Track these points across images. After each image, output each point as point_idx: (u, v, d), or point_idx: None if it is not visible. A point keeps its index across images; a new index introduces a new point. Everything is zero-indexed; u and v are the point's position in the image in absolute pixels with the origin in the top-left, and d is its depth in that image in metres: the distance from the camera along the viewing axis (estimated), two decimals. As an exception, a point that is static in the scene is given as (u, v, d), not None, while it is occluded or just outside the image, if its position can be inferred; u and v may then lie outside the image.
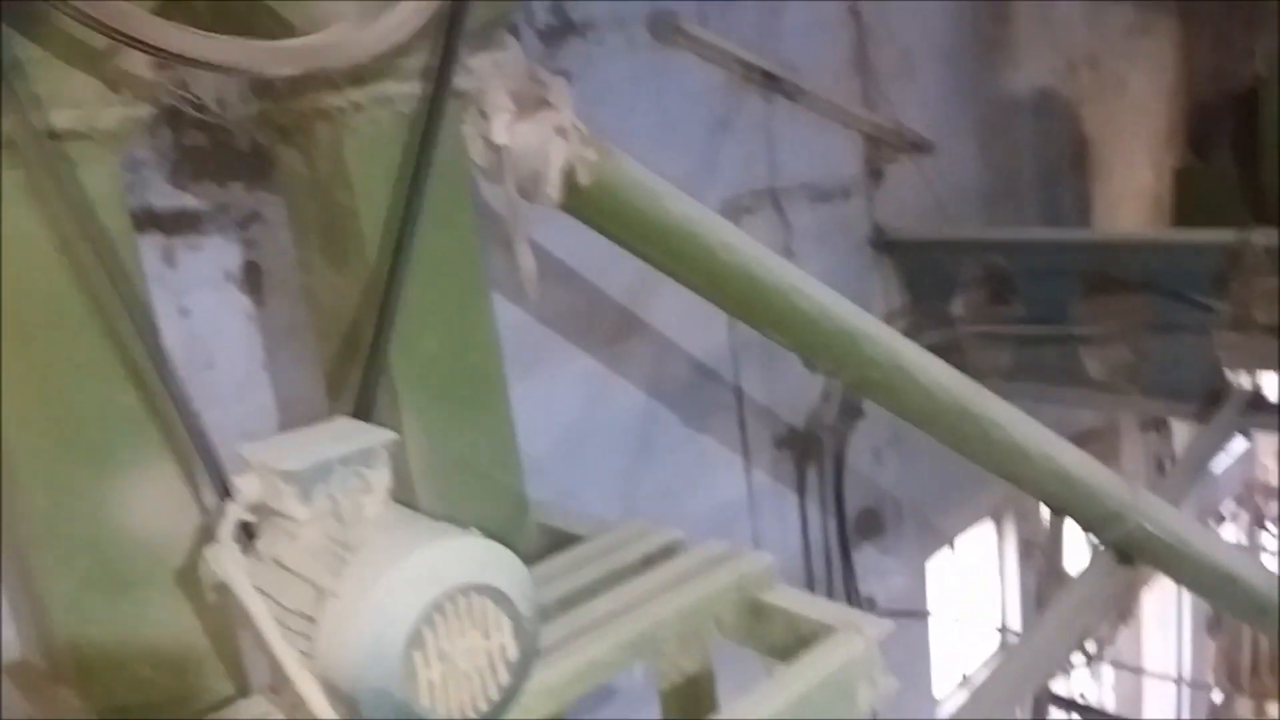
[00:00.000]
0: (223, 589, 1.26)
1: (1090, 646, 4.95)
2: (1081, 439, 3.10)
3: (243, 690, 1.50)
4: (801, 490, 3.59)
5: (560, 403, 2.83)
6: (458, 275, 1.73)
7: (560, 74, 2.09)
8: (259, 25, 1.49)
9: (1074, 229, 4.65)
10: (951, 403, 2.30)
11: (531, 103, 1.90)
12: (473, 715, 1.17)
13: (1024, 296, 3.58)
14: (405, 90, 1.61)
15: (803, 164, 3.49)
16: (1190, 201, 5.17)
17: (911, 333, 3.07)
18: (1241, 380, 3.43)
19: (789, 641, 1.55)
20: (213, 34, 1.32)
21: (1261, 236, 3.20)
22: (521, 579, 1.21)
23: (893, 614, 3.78)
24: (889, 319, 3.40)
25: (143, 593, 1.43)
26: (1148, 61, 5.30)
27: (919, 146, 3.89)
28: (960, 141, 4.17)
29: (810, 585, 3.61)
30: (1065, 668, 4.74)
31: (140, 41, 1.26)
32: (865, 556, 3.83)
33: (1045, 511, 4.57)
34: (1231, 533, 6.50)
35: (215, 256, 2.18)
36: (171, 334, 1.95)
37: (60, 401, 1.36)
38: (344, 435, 1.30)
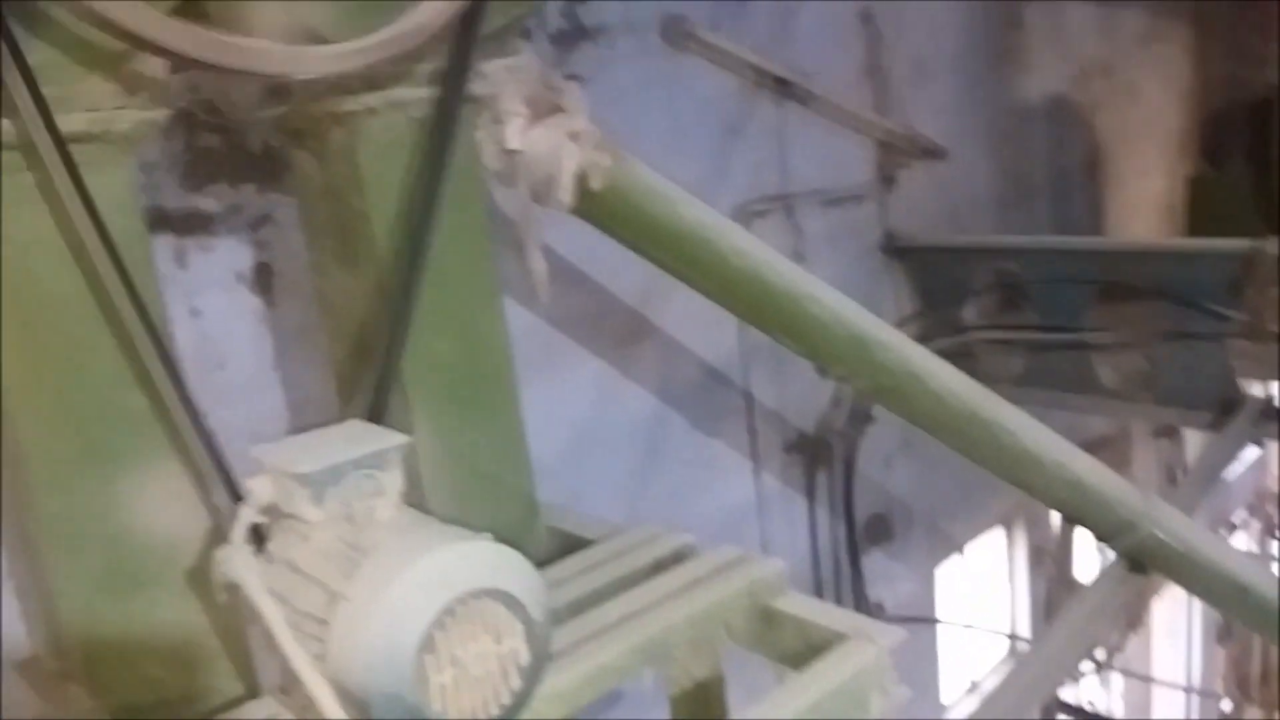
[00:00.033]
0: (234, 589, 1.26)
1: (1100, 654, 4.92)
2: (1092, 446, 3.09)
3: (252, 690, 1.51)
4: (811, 495, 3.58)
5: (569, 405, 2.83)
6: (471, 279, 1.74)
7: (572, 78, 2.10)
8: (273, 28, 1.50)
9: (1087, 236, 4.64)
10: (963, 409, 2.29)
11: (545, 108, 1.91)
12: (484, 719, 1.17)
13: (1036, 303, 3.57)
14: (419, 95, 1.61)
15: (815, 169, 3.49)
16: (1204, 210, 5.15)
17: (923, 339, 3.06)
18: (1254, 389, 3.41)
19: (800, 648, 1.55)
20: (228, 37, 1.33)
21: (1275, 246, 3.18)
22: (533, 584, 1.21)
23: (901, 620, 3.77)
24: (900, 325, 3.39)
25: (153, 592, 1.44)
26: (1161, 69, 5.27)
27: (931, 152, 3.88)
28: (973, 148, 4.16)
29: (819, 590, 3.60)
30: (1074, 675, 4.71)
31: (155, 45, 1.26)
32: (874, 562, 3.82)
33: (1056, 518, 4.55)
34: (1243, 541, 6.47)
35: (226, 258, 2.19)
36: (183, 334, 1.96)
37: (73, 403, 1.36)
38: (357, 438, 1.30)
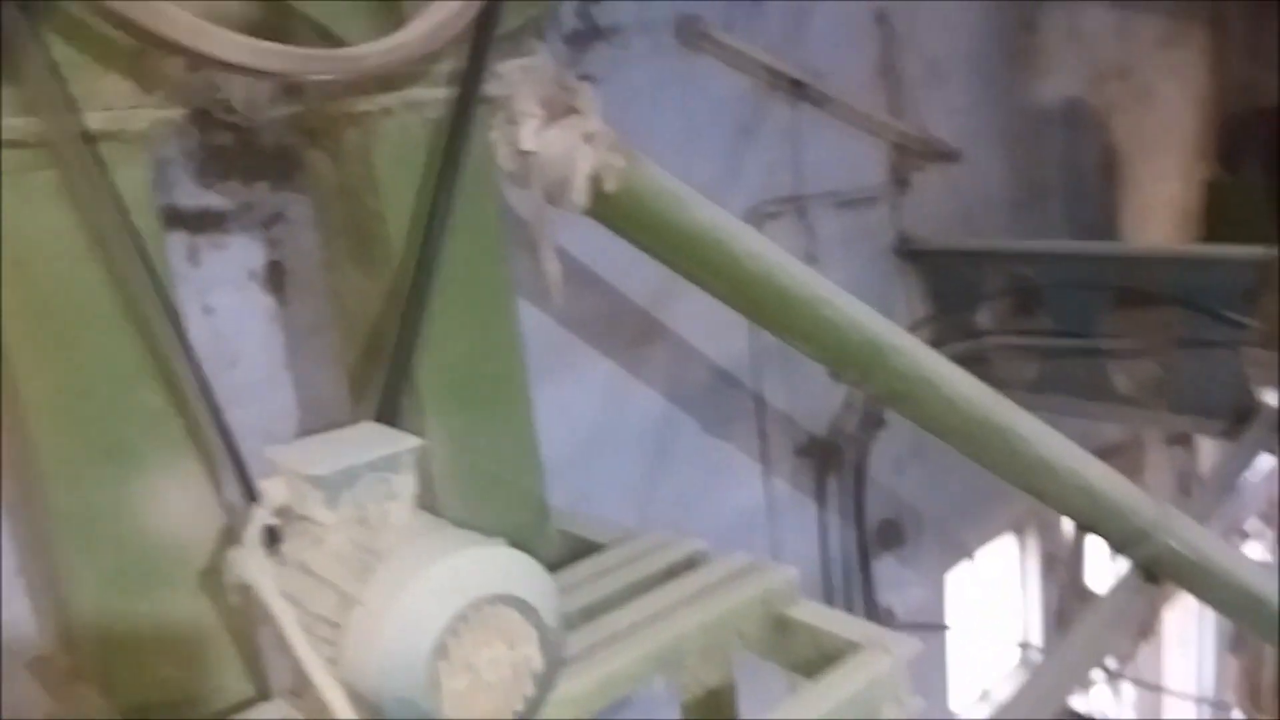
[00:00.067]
0: (246, 590, 1.25)
1: (1111, 663, 4.89)
2: (1105, 453, 3.06)
3: (263, 692, 1.50)
4: (821, 499, 3.56)
5: (579, 407, 2.82)
6: (484, 280, 1.73)
7: (586, 78, 2.09)
8: (293, 28, 1.49)
9: (1101, 241, 4.61)
10: (977, 416, 2.28)
11: (559, 109, 1.90)
12: (496, 726, 1.16)
13: (1050, 308, 3.54)
14: (434, 96, 1.61)
15: (828, 171, 3.47)
16: (1220, 215, 5.11)
17: (936, 343, 3.05)
18: (1270, 397, 3.38)
19: (813, 657, 1.53)
20: (247, 37, 1.32)
21: (1292, 252, 3.15)
22: (547, 590, 1.20)
23: (911, 626, 3.76)
24: (913, 328, 3.37)
25: (166, 591, 1.43)
26: (1178, 73, 5.24)
27: (946, 155, 3.86)
28: (987, 151, 4.14)
29: (829, 596, 3.58)
30: (1085, 685, 4.69)
31: (175, 44, 1.26)
32: (884, 567, 3.80)
33: (1068, 525, 4.53)
34: (1256, 551, 6.42)
35: (239, 255, 2.18)
36: (196, 332, 1.95)
37: (88, 400, 1.36)
38: (370, 441, 1.29)
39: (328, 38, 1.53)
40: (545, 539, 1.77)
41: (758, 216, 3.21)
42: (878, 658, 1.46)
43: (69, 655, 1.48)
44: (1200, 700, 5.99)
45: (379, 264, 1.67)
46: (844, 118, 3.51)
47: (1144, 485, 3.49)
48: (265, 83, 1.55)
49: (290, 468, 1.23)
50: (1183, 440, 5.11)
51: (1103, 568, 4.53)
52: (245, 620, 1.43)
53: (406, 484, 1.27)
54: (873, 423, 3.57)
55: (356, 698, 1.14)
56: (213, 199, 2.13)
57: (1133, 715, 5.71)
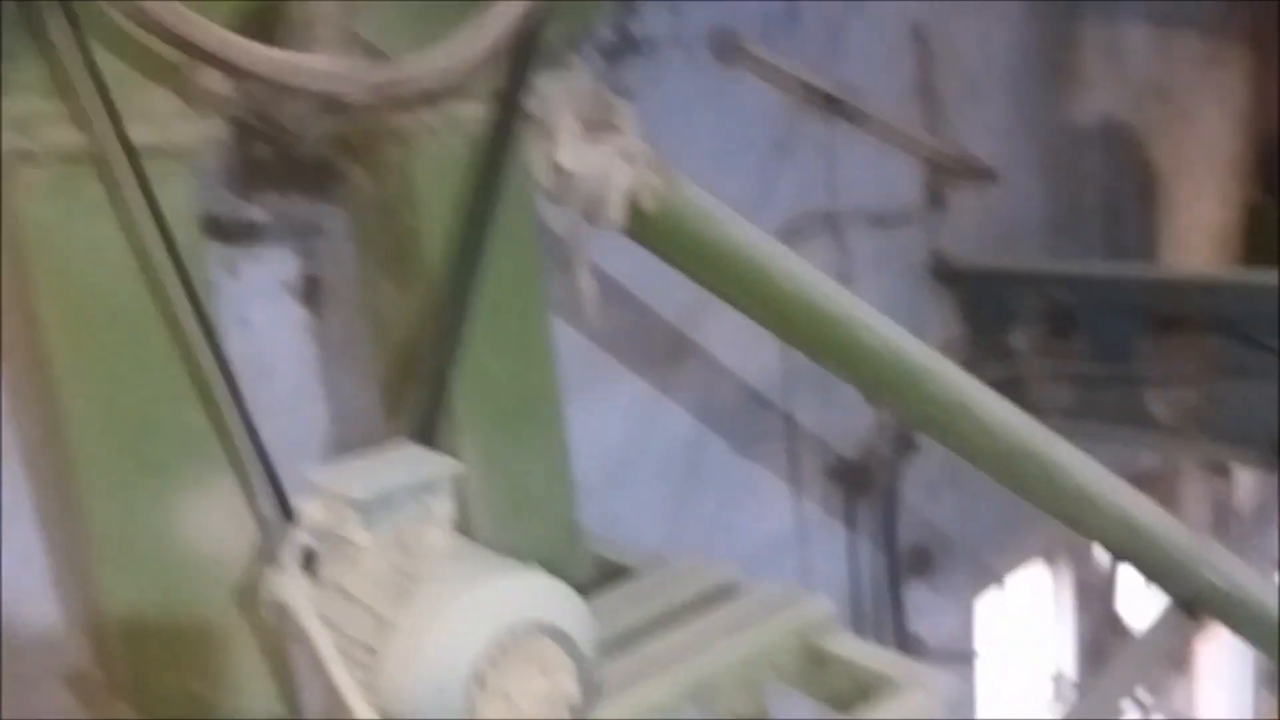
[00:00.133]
0: (282, 611, 1.24)
1: (1143, 695, 4.80)
2: (1140, 481, 3.00)
3: (294, 712, 1.49)
4: (851, 523, 3.52)
5: (609, 424, 2.80)
6: (521, 299, 1.72)
7: (621, 92, 2.08)
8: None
9: (1140, 264, 4.54)
10: (1016, 445, 2.24)
11: (597, 126, 1.89)
12: (531, 758, 1.14)
13: (1086, 332, 3.49)
14: (474, 112, 1.60)
15: (862, 189, 3.44)
16: (1261, 240, 5.03)
17: (969, 365, 2.99)
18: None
19: (849, 691, 1.51)
20: (287, 54, 1.32)
21: (1335, 279, 3.09)
22: (583, 620, 1.18)
23: (941, 655, 3.70)
24: (946, 349, 3.32)
25: (201, 609, 1.43)
26: (1218, 93, 5.17)
27: (981, 174, 3.82)
28: (1024, 170, 4.09)
29: (858, 622, 3.53)
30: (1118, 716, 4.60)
31: (218, 59, 1.26)
32: (914, 593, 3.74)
33: (1101, 553, 4.45)
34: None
35: (275, 268, 2.18)
36: (232, 345, 1.95)
37: (128, 416, 1.37)
38: (409, 463, 1.28)
39: (369, 50, 1.52)
40: (578, 561, 1.75)
41: (791, 233, 3.17)
42: (914, 695, 1.43)
43: (104, 670, 1.47)
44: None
45: (415, 280, 1.67)
46: (879, 135, 3.48)
47: (1180, 515, 3.43)
48: (306, 98, 1.55)
49: (329, 490, 1.22)
50: (1220, 469, 5.02)
51: (1137, 598, 4.45)
52: (278, 639, 1.42)
53: (444, 507, 1.26)
54: (904, 445, 3.52)
55: (391, 725, 1.13)
56: (251, 211, 2.13)
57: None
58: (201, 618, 1.44)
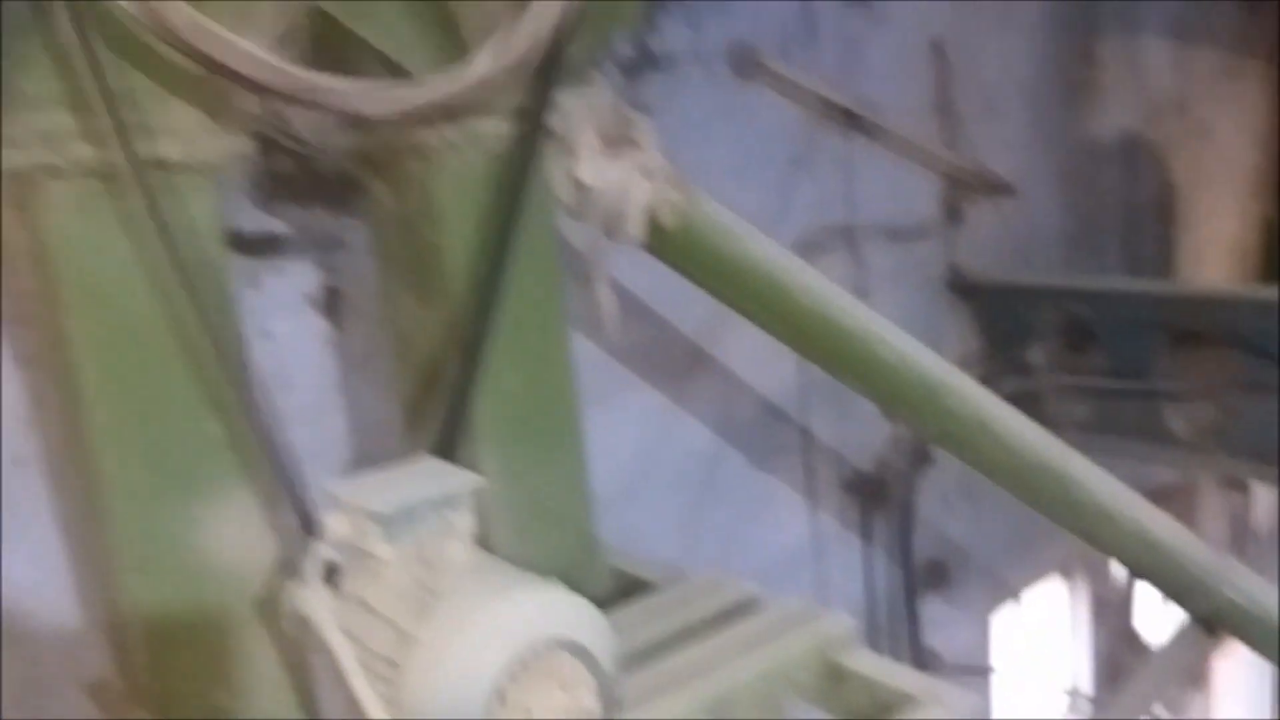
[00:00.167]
0: (303, 623, 1.25)
1: (1160, 712, 4.76)
2: (1157, 496, 2.98)
3: (313, 722, 1.50)
4: (867, 536, 3.51)
5: (625, 437, 2.80)
6: (541, 314, 1.73)
7: (640, 107, 2.09)
8: (362, 62, 1.51)
9: (1158, 279, 4.52)
10: (1035, 461, 2.23)
11: (617, 141, 1.90)
12: (552, 773, 1.14)
13: (1104, 347, 3.47)
14: (497, 129, 1.61)
15: (880, 203, 3.44)
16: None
17: (986, 380, 2.99)
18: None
19: (868, 708, 1.51)
20: (317, 72, 1.34)
21: (1356, 295, 3.07)
22: (604, 636, 1.19)
23: (957, 669, 3.68)
24: (963, 364, 3.32)
25: (223, 619, 1.44)
26: (1237, 107, 5.14)
27: (999, 188, 3.81)
28: (1042, 185, 4.08)
29: (873, 636, 3.52)
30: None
31: (242, 77, 1.27)
32: (929, 607, 3.73)
33: (1117, 568, 4.42)
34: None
35: (297, 280, 2.20)
36: (254, 356, 1.97)
37: (153, 428, 1.38)
38: (431, 477, 1.29)
39: (390, 67, 1.54)
40: (596, 575, 1.76)
41: (808, 248, 3.18)
42: (933, 713, 1.43)
43: (124, 678, 1.48)
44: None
45: (436, 295, 1.68)
46: (897, 150, 3.48)
47: (1197, 530, 3.40)
48: (333, 115, 1.56)
49: (352, 503, 1.23)
50: (1238, 485, 4.98)
51: (1154, 613, 4.42)
52: (299, 651, 1.43)
53: (465, 522, 1.26)
54: (920, 459, 3.51)
55: (412, 739, 1.13)
56: (273, 223, 2.15)
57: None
58: (222, 628, 1.45)
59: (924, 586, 3.70)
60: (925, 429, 2.42)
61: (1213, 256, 5.02)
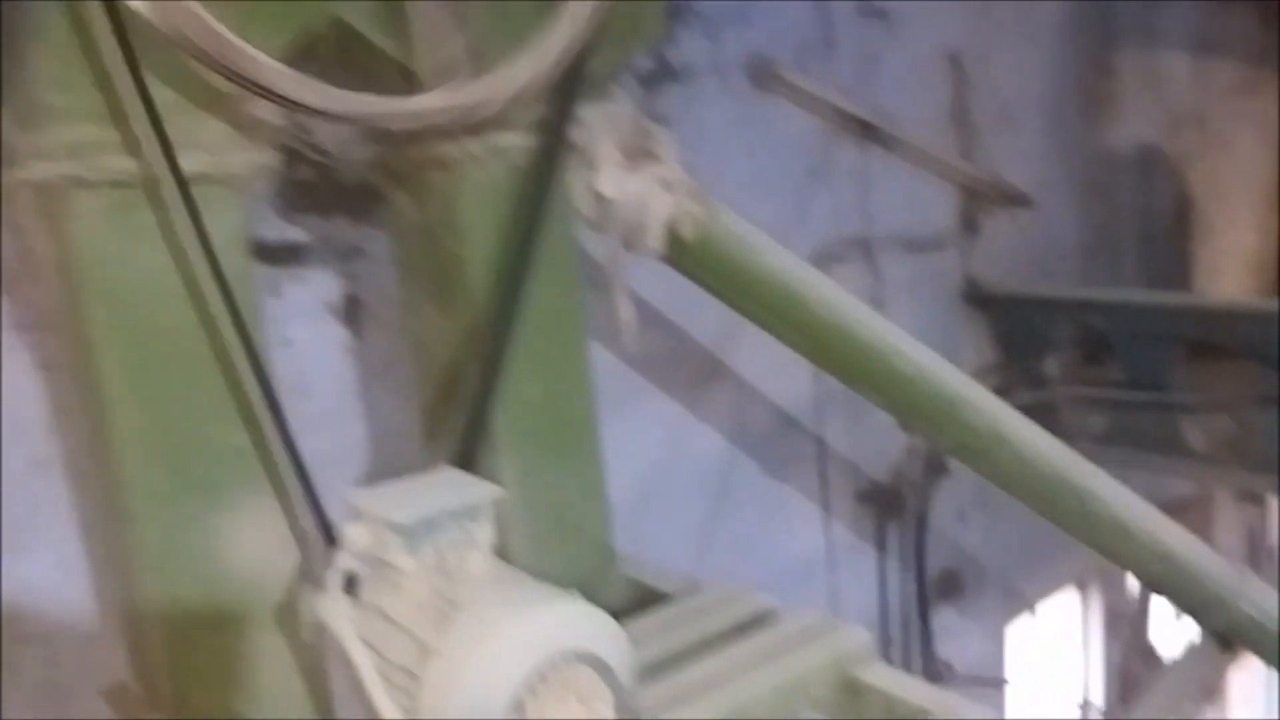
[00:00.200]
0: (322, 632, 1.26)
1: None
2: (1173, 509, 2.97)
3: (330, 730, 1.51)
4: (881, 547, 3.50)
5: (640, 446, 2.81)
6: (561, 325, 1.74)
7: (659, 119, 2.10)
8: (384, 75, 1.52)
9: (1175, 292, 4.50)
10: (1052, 474, 2.23)
11: (637, 154, 1.91)
12: (569, 786, 1.15)
13: (1121, 359, 3.46)
14: (519, 142, 1.63)
15: (896, 214, 3.44)
16: (1300, 268, 4.97)
17: (1002, 391, 2.99)
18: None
19: (883, 722, 1.50)
20: (341, 89, 1.35)
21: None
22: (622, 648, 1.19)
23: (970, 681, 3.67)
24: (979, 375, 3.31)
25: (242, 626, 1.45)
26: (1255, 120, 5.12)
27: (1016, 200, 3.81)
28: (1059, 196, 4.07)
29: (886, 646, 3.51)
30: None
31: (278, 95, 1.29)
32: (943, 618, 3.72)
33: (1132, 581, 4.40)
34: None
35: (317, 289, 2.22)
36: (275, 364, 1.99)
37: (177, 436, 1.39)
38: (451, 488, 1.30)
39: (410, 78, 1.55)
40: (612, 585, 1.77)
41: (825, 259, 3.18)
42: (950, 727, 1.43)
43: (142, 683, 1.50)
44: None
45: (457, 305, 1.69)
46: (914, 160, 3.48)
47: (1213, 543, 3.38)
48: (356, 128, 1.58)
49: (372, 513, 1.24)
50: (1254, 498, 4.95)
51: (1169, 626, 4.39)
52: (318, 659, 1.44)
53: (485, 533, 1.27)
54: (935, 469, 3.51)
55: (431, 750, 1.14)
56: (294, 232, 2.17)
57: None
58: (241, 635, 1.46)
59: (938, 597, 3.69)
60: (942, 441, 2.42)
61: (1229, 269, 5.00)
